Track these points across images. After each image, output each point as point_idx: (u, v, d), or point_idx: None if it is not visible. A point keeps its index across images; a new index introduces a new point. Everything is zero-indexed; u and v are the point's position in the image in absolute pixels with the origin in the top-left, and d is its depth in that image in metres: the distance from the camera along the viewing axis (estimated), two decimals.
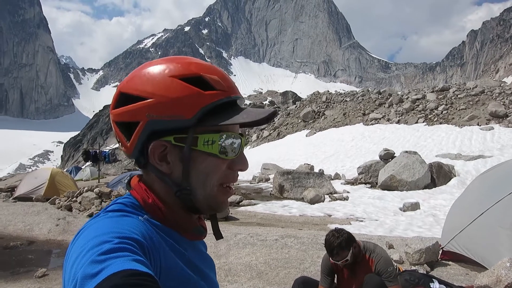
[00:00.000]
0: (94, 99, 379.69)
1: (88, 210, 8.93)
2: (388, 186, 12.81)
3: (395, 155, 14.93)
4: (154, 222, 0.75)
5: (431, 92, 29.70)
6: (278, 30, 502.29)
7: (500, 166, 5.17)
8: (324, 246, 3.09)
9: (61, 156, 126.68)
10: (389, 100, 31.00)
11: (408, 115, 27.20)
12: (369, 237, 6.37)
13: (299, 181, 12.55)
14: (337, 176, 15.72)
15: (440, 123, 23.88)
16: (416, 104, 28.29)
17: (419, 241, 4.75)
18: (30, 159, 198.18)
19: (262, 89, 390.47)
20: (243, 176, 18.07)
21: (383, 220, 8.77)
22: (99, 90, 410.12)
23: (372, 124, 28.08)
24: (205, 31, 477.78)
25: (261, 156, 25.54)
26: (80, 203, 9.35)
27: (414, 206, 9.68)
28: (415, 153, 13.91)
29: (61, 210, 9.21)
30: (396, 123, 26.73)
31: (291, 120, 38.34)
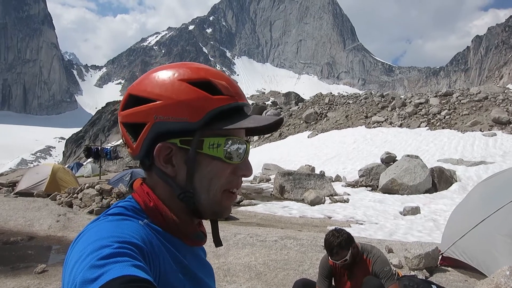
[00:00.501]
0: (97, 96, 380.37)
1: (88, 206, 8.95)
2: (389, 189, 12.79)
3: (396, 158, 14.91)
4: (155, 227, 0.75)
5: (434, 96, 29.65)
6: (282, 30, 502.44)
7: (502, 174, 5.15)
8: (323, 247, 3.09)
9: (63, 152, 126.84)
10: (392, 103, 30.96)
11: (411, 119, 27.15)
12: (369, 240, 6.36)
13: (300, 182, 12.55)
14: (338, 178, 15.70)
15: (443, 128, 23.83)
16: (419, 108, 28.25)
17: (418, 246, 4.74)
18: (32, 154, 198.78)
19: (265, 89, 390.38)
20: None
21: (383, 223, 8.75)
22: (102, 87, 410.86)
23: (374, 127, 28.05)
24: (209, 30, 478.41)
25: (263, 156, 25.54)
26: (81, 199, 9.36)
27: (415, 210, 9.66)
28: (416, 157, 13.88)
29: (61, 206, 9.23)
30: (399, 126, 26.68)
31: (293, 121, 38.33)
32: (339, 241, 2.94)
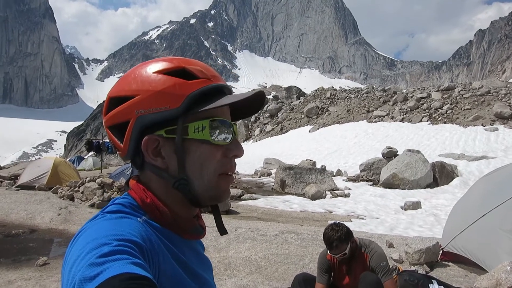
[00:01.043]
0: (98, 90, 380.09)
1: (90, 200, 8.97)
2: (390, 184, 12.79)
3: (398, 153, 14.90)
4: (153, 224, 0.74)
5: (436, 91, 29.54)
6: (284, 24, 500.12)
7: (503, 169, 5.14)
8: (323, 241, 3.10)
9: (64, 145, 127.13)
10: (394, 98, 30.86)
11: (413, 113, 27.08)
12: (370, 235, 6.37)
13: (301, 177, 12.55)
14: (339, 173, 15.71)
15: (444, 123, 23.76)
16: (420, 102, 28.15)
17: (419, 241, 4.74)
18: (34, 148, 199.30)
19: (266, 83, 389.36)
20: (245, 170, 18.09)
21: (384, 218, 8.76)
22: (103, 81, 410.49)
23: (375, 122, 27.99)
24: (210, 24, 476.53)
25: (264, 151, 25.55)
26: (82, 193, 9.39)
27: (416, 205, 9.66)
28: (418, 152, 13.86)
29: (63, 199, 9.26)
30: (400, 121, 26.62)
31: (294, 115, 38.27)
32: (338, 235, 2.94)
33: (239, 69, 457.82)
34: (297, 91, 49.93)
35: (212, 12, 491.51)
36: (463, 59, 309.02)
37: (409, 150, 13.93)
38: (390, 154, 14.94)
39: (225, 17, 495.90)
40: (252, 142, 35.94)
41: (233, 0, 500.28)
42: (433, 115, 25.47)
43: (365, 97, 34.48)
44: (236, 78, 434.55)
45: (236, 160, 0.83)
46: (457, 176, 13.15)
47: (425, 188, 12.46)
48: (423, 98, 28.67)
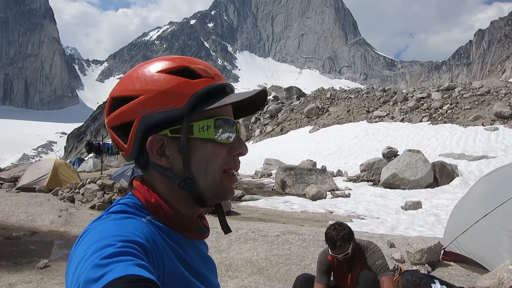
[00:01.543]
0: (98, 91, 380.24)
1: (90, 202, 8.96)
2: (391, 184, 12.78)
3: (398, 153, 14.89)
4: (157, 224, 0.75)
5: (437, 91, 29.54)
6: (284, 25, 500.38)
7: (504, 168, 5.13)
8: (325, 241, 3.10)
9: (65, 147, 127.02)
10: (394, 98, 30.86)
11: (413, 113, 27.08)
12: (371, 235, 6.37)
13: (301, 177, 12.55)
14: (339, 173, 15.70)
15: (445, 123, 23.77)
16: (421, 102, 28.15)
17: (421, 240, 4.74)
18: (34, 149, 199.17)
19: (266, 84, 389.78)
20: (246, 171, 18.09)
21: (384, 218, 8.76)
22: (104, 82, 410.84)
23: (376, 122, 28.00)
24: (210, 25, 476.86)
25: (264, 151, 25.55)
26: (82, 194, 9.37)
27: (416, 205, 9.66)
28: (418, 151, 13.85)
29: (63, 201, 9.25)
30: (400, 121, 26.63)
31: (294, 115, 38.27)
32: (342, 235, 2.94)
33: (239, 69, 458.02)
34: (297, 91, 49.91)
35: (212, 12, 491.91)
36: (463, 59, 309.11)
37: (410, 150, 13.92)
38: (390, 154, 14.94)
39: (225, 18, 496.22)
40: (252, 143, 35.93)
41: (233, 1, 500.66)
42: (433, 115, 25.47)
43: (365, 98, 34.48)
44: (236, 78, 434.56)
45: (239, 158, 0.84)
46: (458, 176, 13.14)
47: (425, 188, 12.45)
48: (423, 98, 28.67)
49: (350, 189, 12.48)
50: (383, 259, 3.09)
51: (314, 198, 10.99)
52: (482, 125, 21.78)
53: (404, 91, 33.57)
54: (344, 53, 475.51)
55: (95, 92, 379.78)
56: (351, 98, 36.33)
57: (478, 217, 4.32)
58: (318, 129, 31.33)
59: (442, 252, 4.76)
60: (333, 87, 45.67)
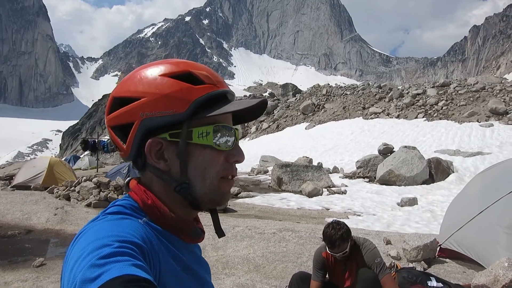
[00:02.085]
0: (93, 88, 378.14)
1: (86, 199, 8.91)
2: (387, 180, 12.83)
3: (394, 149, 14.94)
4: (153, 225, 0.75)
5: (432, 87, 29.66)
6: (279, 21, 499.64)
7: (500, 165, 5.15)
8: (323, 240, 3.09)
9: (60, 144, 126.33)
10: (390, 94, 30.96)
11: (408, 110, 27.18)
12: (367, 232, 6.39)
13: (297, 174, 12.56)
14: (335, 170, 15.73)
15: (440, 119, 23.89)
16: (416, 99, 28.26)
17: (417, 237, 4.75)
18: (29, 147, 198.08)
19: (262, 80, 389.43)
20: (242, 168, 18.08)
21: (380, 214, 8.78)
22: (99, 79, 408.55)
23: (371, 118, 28.07)
24: (205, 21, 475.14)
25: (260, 148, 25.57)
26: (78, 192, 9.32)
27: (412, 202, 9.70)
28: (414, 148, 13.91)
29: (59, 199, 9.20)
30: (396, 117, 26.72)
31: (290, 112, 38.29)
32: (341, 234, 2.95)
33: (235, 66, 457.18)
34: (293, 88, 49.98)
35: (207, 9, 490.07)
36: (458, 55, 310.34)
37: (405, 147, 13.98)
38: (386, 151, 14.98)
39: (220, 14, 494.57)
40: (249, 140, 35.93)
41: None
42: (429, 112, 25.59)
43: (361, 94, 34.56)
44: (231, 75, 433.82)
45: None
46: (453, 172, 13.20)
47: (421, 184, 12.51)
48: (418, 94, 28.78)
49: (346, 186, 12.52)
50: (381, 257, 3.10)
51: (311, 195, 11.01)
52: (477, 121, 21.91)
53: (400, 87, 33.69)
54: (339, 50, 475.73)
55: (90, 90, 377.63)
56: (347, 94, 36.39)
57: (474, 214, 4.33)
58: (314, 125, 31.37)
59: (438, 249, 4.78)
60: (329, 84, 45.78)
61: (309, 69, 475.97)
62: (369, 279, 2.97)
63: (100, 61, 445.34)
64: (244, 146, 30.64)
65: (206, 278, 0.85)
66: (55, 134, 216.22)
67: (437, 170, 13.00)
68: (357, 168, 14.76)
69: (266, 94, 48.17)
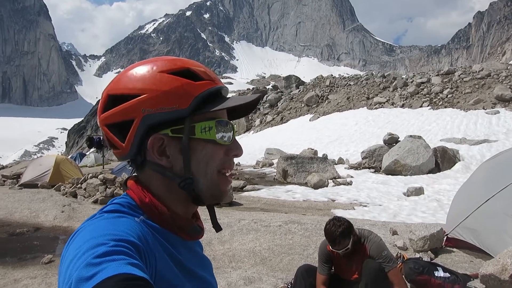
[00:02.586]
0: (96, 86, 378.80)
1: (93, 196, 8.98)
2: (392, 170, 12.78)
3: (399, 139, 14.86)
4: (150, 223, 0.75)
5: (436, 75, 29.40)
6: (280, 13, 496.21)
7: (506, 152, 5.10)
8: (325, 237, 3.08)
9: (66, 142, 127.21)
10: (394, 83, 30.72)
11: (413, 99, 26.98)
12: (373, 223, 6.38)
13: (302, 166, 12.54)
14: (340, 161, 15.69)
15: (445, 107, 23.71)
16: (420, 87, 28.04)
17: (423, 227, 4.73)
18: (35, 146, 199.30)
19: (265, 73, 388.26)
20: (247, 161, 18.10)
21: (386, 205, 8.77)
22: (102, 77, 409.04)
23: (376, 108, 27.93)
24: (206, 16, 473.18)
25: (265, 141, 25.56)
26: (85, 189, 9.40)
27: (418, 191, 9.66)
28: (419, 137, 13.82)
29: (66, 196, 9.27)
30: (401, 107, 26.56)
31: (294, 104, 38.18)
32: (341, 230, 2.92)
33: (237, 60, 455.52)
34: (296, 80, 49.70)
35: (208, 3, 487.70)
36: (462, 42, 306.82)
37: (411, 136, 13.89)
38: (391, 141, 14.91)
39: (221, 8, 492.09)
40: (253, 133, 35.92)
41: None
42: (434, 100, 25.39)
43: (364, 84, 34.35)
44: (234, 69, 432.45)
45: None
46: (459, 160, 13.12)
47: (427, 173, 12.45)
48: (423, 83, 28.55)
49: (351, 177, 12.49)
50: (387, 249, 3.08)
51: (316, 186, 11.00)
52: (483, 108, 21.71)
53: (404, 76, 33.43)
54: (342, 40, 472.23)
55: (94, 87, 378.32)
56: (350, 85, 36.19)
57: (480, 203, 4.29)
58: (318, 117, 31.27)
59: (444, 238, 4.76)
60: (332, 75, 45.48)
61: (312, 60, 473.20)
62: (373, 270, 2.95)
63: (103, 59, 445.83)
64: (249, 139, 30.65)
65: (205, 276, 0.85)
66: (61, 132, 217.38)
67: (443, 159, 12.93)
68: (362, 158, 14.71)
69: (269, 86, 48.03)
